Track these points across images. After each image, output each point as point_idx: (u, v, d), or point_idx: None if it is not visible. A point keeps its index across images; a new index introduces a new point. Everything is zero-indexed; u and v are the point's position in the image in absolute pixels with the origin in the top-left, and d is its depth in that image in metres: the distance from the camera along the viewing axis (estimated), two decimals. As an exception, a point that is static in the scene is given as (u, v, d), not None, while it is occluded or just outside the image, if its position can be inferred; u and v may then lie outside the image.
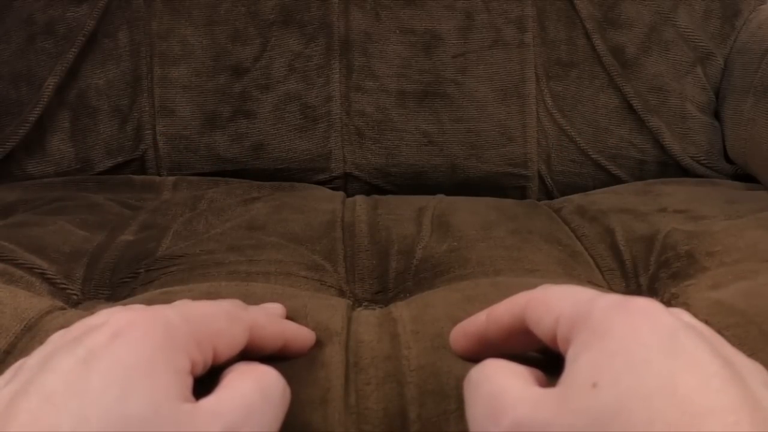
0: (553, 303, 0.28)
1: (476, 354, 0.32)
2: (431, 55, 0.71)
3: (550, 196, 0.72)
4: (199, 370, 0.27)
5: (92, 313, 0.30)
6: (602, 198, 0.65)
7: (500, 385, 0.26)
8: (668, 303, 0.45)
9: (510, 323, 0.30)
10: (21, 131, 0.69)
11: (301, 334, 0.34)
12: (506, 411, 0.25)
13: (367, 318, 0.39)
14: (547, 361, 0.30)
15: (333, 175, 0.72)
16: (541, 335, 0.28)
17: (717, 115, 0.73)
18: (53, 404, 0.23)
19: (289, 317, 0.36)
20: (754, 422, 0.21)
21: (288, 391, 0.29)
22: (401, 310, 0.39)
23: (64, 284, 0.49)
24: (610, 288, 0.50)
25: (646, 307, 0.25)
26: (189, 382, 0.26)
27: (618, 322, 0.24)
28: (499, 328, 0.30)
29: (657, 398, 0.22)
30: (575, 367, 0.24)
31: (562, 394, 0.24)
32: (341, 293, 0.48)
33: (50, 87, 0.69)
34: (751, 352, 0.26)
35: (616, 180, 0.72)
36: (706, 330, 0.26)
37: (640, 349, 0.23)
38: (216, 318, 0.29)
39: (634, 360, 0.23)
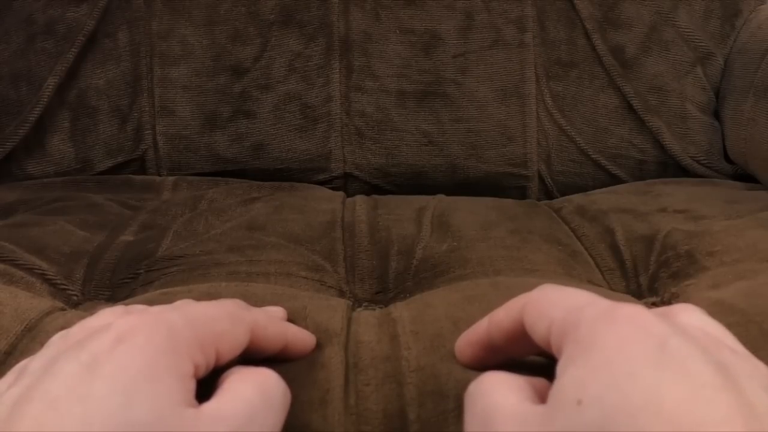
0: (545, 308, 0.27)
1: (484, 362, 0.31)
2: (431, 55, 0.71)
3: (550, 196, 0.72)
4: (202, 372, 0.27)
5: (92, 314, 0.30)
6: (602, 198, 0.65)
7: (494, 401, 0.26)
8: (668, 302, 0.45)
9: (510, 327, 0.29)
10: (21, 131, 0.69)
11: (301, 337, 0.34)
12: (495, 429, 0.24)
13: (367, 318, 0.38)
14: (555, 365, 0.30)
15: (333, 175, 0.72)
16: (537, 341, 0.27)
17: (717, 115, 0.73)
18: (57, 410, 0.23)
19: (289, 319, 0.36)
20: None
21: (288, 393, 0.29)
22: (401, 310, 0.39)
23: (65, 285, 0.48)
24: (611, 287, 0.50)
25: (633, 315, 0.24)
26: (192, 386, 0.26)
27: (603, 333, 0.24)
28: (501, 333, 0.30)
29: (643, 414, 0.21)
30: (561, 383, 0.24)
31: (548, 412, 0.23)
32: (341, 293, 0.48)
33: (50, 87, 0.69)
34: (752, 351, 0.26)
35: (616, 180, 0.72)
36: (712, 329, 0.26)
37: (625, 362, 0.22)
38: (219, 319, 0.29)
39: (619, 374, 0.22)
